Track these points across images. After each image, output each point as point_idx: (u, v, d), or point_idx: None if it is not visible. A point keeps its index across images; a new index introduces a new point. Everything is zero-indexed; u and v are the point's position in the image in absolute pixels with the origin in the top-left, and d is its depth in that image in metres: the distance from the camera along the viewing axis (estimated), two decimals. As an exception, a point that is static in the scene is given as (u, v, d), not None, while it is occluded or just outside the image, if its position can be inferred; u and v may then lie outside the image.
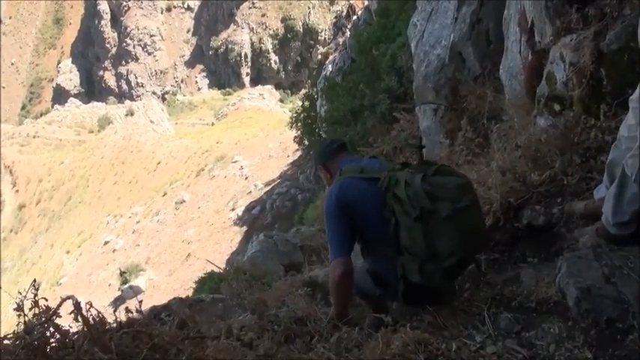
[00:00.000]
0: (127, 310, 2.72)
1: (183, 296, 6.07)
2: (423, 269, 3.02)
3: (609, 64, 4.21)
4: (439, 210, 2.91)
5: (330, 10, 75.61)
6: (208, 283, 9.60)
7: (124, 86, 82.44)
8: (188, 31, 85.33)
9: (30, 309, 2.52)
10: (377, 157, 3.79)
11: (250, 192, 32.76)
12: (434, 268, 3.02)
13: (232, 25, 79.41)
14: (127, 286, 29.30)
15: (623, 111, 3.82)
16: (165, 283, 28.70)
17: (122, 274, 30.83)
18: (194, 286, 11.87)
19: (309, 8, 76.64)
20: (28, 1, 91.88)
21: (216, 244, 29.10)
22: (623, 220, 3.43)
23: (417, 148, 3.30)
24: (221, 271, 10.18)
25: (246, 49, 77.71)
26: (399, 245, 3.06)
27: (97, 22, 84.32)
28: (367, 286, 3.54)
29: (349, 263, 3.24)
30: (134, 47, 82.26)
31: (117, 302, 27.76)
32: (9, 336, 2.45)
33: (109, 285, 32.01)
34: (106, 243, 38.19)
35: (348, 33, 30.64)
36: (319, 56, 68.85)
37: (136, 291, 28.43)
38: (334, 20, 72.02)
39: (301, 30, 76.43)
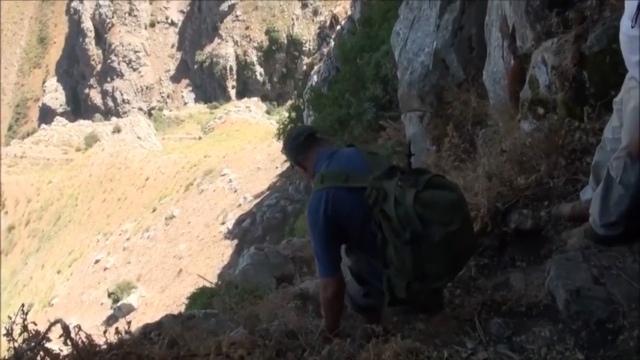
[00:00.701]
0: (117, 331, 2.70)
1: (176, 312, 6.02)
2: (410, 288, 2.91)
3: (591, 66, 4.24)
4: (431, 235, 2.75)
5: (313, 20, 75.81)
6: (200, 298, 9.56)
7: (110, 103, 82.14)
8: (172, 46, 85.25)
9: (19, 334, 2.50)
10: (354, 145, 3.43)
11: (240, 205, 32.67)
12: (421, 288, 2.92)
13: (216, 38, 79.40)
14: (118, 304, 29.10)
15: (607, 113, 3.86)
16: (157, 299, 28.51)
17: (110, 294, 30.61)
18: (186, 301, 11.80)
19: (292, 20, 76.80)
20: (12, 22, 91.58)
21: (207, 259, 28.96)
22: (610, 220, 3.46)
23: (405, 156, 3.12)
24: (213, 285, 10.12)
25: (231, 62, 77.71)
26: (386, 259, 2.93)
27: (81, 40, 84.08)
28: (357, 295, 3.47)
29: (341, 280, 3.16)
30: (119, 64, 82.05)
31: (109, 321, 27.55)
32: (-2, 362, 2.42)
33: (101, 304, 31.76)
34: (96, 261, 37.92)
35: (332, 43, 30.76)
36: (304, 67, 69.05)
37: (128, 309, 28.26)
38: (318, 31, 72.21)
39: (285, 41, 76.52)
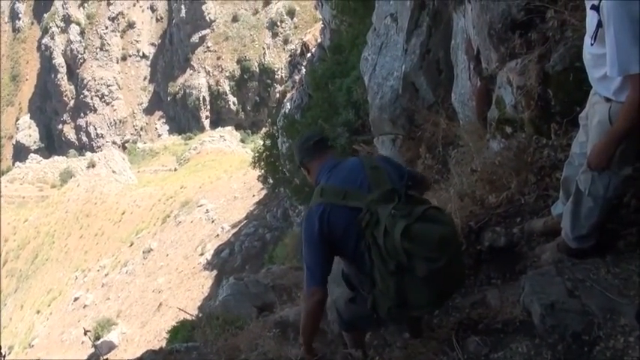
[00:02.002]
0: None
1: (157, 348, 5.96)
2: (391, 312, 2.93)
3: (555, 84, 4.33)
4: (415, 269, 2.74)
5: (284, 49, 76.21)
6: (181, 331, 9.44)
7: (84, 138, 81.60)
8: (145, 79, 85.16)
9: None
10: (358, 156, 3.53)
11: (218, 235, 32.51)
12: (402, 313, 2.96)
13: (188, 69, 79.51)
14: (99, 342, 28.60)
15: (574, 129, 3.94)
16: (138, 335, 28.11)
17: (86, 332, 30.09)
18: (167, 336, 11.66)
19: (263, 49, 77.20)
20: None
21: (187, 291, 28.70)
22: (582, 233, 3.52)
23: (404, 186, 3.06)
24: (194, 318, 10.03)
25: (204, 93, 77.74)
26: (373, 279, 2.94)
27: (53, 76, 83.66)
28: (344, 302, 3.48)
29: (325, 293, 3.14)
30: (92, 98, 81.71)
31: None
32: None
33: (82, 342, 31.19)
34: (76, 299, 37.36)
35: (303, 70, 30.95)
36: (277, 95, 69.29)
37: (109, 347, 27.81)
38: (289, 59, 72.53)
39: (257, 70, 76.81)
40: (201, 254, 31.41)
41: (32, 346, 35.24)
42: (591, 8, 2.95)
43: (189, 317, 10.35)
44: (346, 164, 3.31)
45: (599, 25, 2.90)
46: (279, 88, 72.57)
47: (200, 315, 9.69)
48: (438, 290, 2.87)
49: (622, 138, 3.02)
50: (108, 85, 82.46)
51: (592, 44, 3.00)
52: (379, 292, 2.92)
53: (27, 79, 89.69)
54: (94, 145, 79.60)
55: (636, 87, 2.80)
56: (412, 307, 2.90)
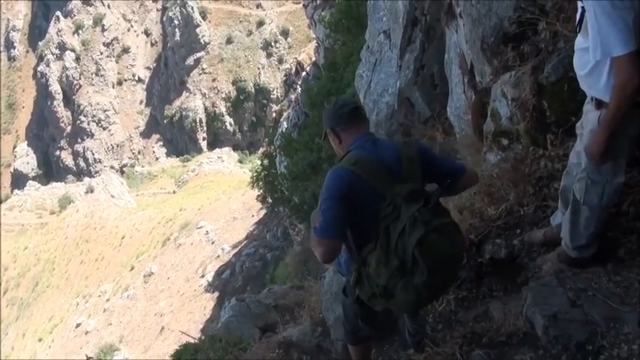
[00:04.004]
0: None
1: (160, 372, 5.94)
2: (372, 299, 2.91)
3: (550, 95, 4.35)
4: (414, 275, 2.72)
5: (279, 68, 76.58)
6: (184, 355, 9.37)
7: (82, 163, 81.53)
8: (141, 103, 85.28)
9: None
10: (396, 141, 3.26)
11: (218, 256, 32.42)
12: (381, 304, 2.91)
13: (184, 92, 79.72)
14: (102, 368, 28.48)
15: (570, 138, 3.97)
16: (141, 360, 27.96)
17: (88, 359, 29.85)
18: None
19: (258, 69, 77.56)
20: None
21: (189, 314, 28.57)
22: (582, 243, 3.52)
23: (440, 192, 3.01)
24: (196, 341, 9.98)
25: (201, 115, 77.90)
26: (365, 260, 2.90)
27: (49, 103, 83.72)
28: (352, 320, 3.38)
29: (332, 246, 2.95)
30: (89, 124, 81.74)
31: (94, 386, 26.94)
32: None
33: (85, 370, 31.01)
34: (77, 325, 37.16)
35: (299, 89, 31.06)
36: (274, 114, 69.33)
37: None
38: (284, 78, 72.77)
39: (253, 90, 77.09)
40: (202, 276, 31.32)
41: (34, 375, 35.06)
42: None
43: (191, 340, 10.30)
44: (384, 145, 3.13)
45: (584, 11, 2.92)
46: (275, 107, 72.73)
47: (203, 338, 9.64)
48: (423, 298, 2.85)
49: (615, 122, 3.00)
50: (104, 110, 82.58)
51: (577, 32, 3.03)
52: (367, 274, 2.88)
53: (23, 107, 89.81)
54: (92, 170, 79.54)
55: (621, 69, 2.80)
56: (394, 305, 2.87)
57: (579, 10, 2.98)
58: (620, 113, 2.94)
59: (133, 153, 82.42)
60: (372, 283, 2.86)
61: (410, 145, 3.05)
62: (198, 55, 79.18)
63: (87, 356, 28.92)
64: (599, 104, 3.08)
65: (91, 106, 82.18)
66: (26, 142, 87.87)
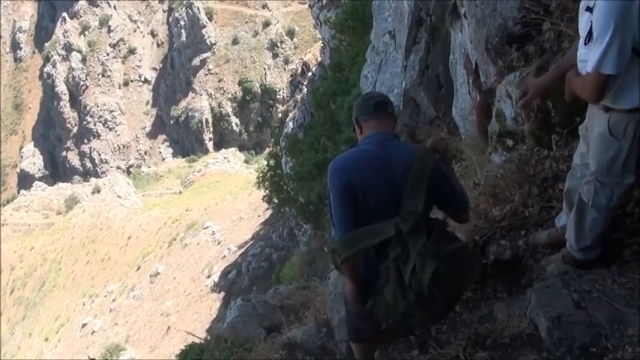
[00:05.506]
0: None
1: (166, 372, 5.95)
2: (392, 322, 2.91)
3: (554, 96, 4.31)
4: (433, 303, 2.76)
5: (285, 69, 76.55)
6: (190, 355, 9.39)
7: (88, 164, 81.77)
8: (147, 103, 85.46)
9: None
10: (418, 149, 3.11)
11: (224, 256, 32.46)
12: (400, 323, 2.94)
13: (191, 92, 79.85)
14: (108, 368, 28.56)
15: (574, 139, 3.95)
16: (147, 360, 28.03)
17: (92, 361, 29.95)
18: None
19: (264, 69, 77.62)
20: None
21: (195, 314, 28.62)
22: (587, 244, 3.51)
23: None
24: (202, 341, 9.99)
25: (207, 115, 78.01)
26: (382, 290, 2.87)
27: (56, 103, 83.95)
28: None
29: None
30: (95, 124, 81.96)
31: (100, 386, 27.02)
32: None
33: (91, 369, 31.08)
34: (84, 325, 37.26)
35: (304, 90, 31.08)
36: (279, 115, 69.41)
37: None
38: (290, 79, 72.74)
39: (259, 91, 77.17)
40: (208, 276, 31.36)
41: (41, 374, 35.17)
42: (586, 10, 2.99)
43: (197, 340, 10.32)
44: (399, 148, 3.07)
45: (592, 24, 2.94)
46: (281, 107, 72.78)
47: (208, 338, 9.66)
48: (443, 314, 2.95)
49: (553, 82, 3.33)
50: (111, 111, 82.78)
51: (585, 44, 3.03)
52: (384, 303, 2.88)
53: (30, 108, 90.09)
54: (99, 170, 79.77)
55: (598, 85, 2.93)
56: (415, 322, 2.93)
57: (588, 23, 2.98)
58: (561, 85, 3.32)
59: (140, 153, 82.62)
60: (391, 312, 2.86)
61: (427, 161, 2.96)
62: (205, 55, 79.29)
63: (89, 358, 29.03)
64: (607, 108, 3.09)
65: (98, 106, 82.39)
66: (33, 142, 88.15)
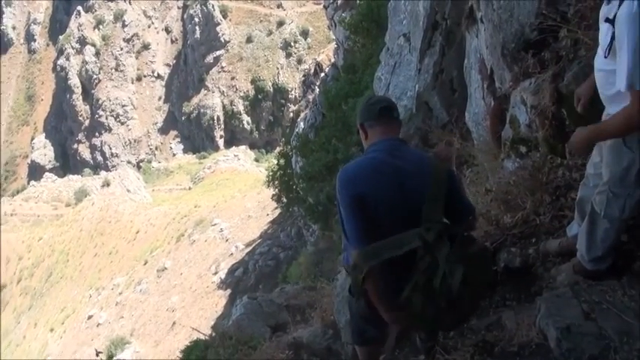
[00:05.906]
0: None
1: (170, 367, 5.96)
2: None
3: (569, 103, 4.28)
4: (462, 306, 2.79)
5: (298, 69, 76.68)
6: (195, 351, 9.41)
7: (99, 157, 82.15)
8: (159, 99, 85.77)
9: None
10: (429, 156, 3.14)
11: (232, 254, 32.51)
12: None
13: (203, 89, 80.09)
14: (113, 361, 28.63)
15: (588, 148, 3.91)
16: (151, 354, 28.03)
17: (98, 354, 30.07)
18: (180, 355, 11.63)
19: (277, 69, 77.74)
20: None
21: (201, 310, 28.67)
22: (598, 255, 3.48)
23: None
24: (207, 337, 10.01)
25: (218, 112, 78.22)
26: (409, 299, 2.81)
27: (68, 96, 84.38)
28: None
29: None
30: (107, 118, 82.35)
31: (104, 379, 27.12)
32: None
33: (95, 362, 31.22)
34: (89, 317, 37.41)
35: (317, 90, 31.09)
36: (291, 114, 69.62)
37: (123, 366, 27.84)
38: (303, 79, 72.88)
39: (271, 90, 77.30)
40: (215, 273, 31.41)
41: (45, 364, 35.33)
42: (606, 21, 2.94)
43: (202, 337, 10.34)
44: (409, 154, 3.03)
45: (613, 37, 2.89)
46: (292, 107, 72.97)
47: (213, 334, 9.67)
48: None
49: (603, 139, 3.08)
50: (123, 105, 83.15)
51: (606, 57, 2.99)
52: (414, 313, 2.82)
53: (42, 100, 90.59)
54: (109, 164, 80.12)
55: (636, 103, 2.79)
56: (441, 327, 3.00)
57: (608, 34, 2.94)
58: (614, 134, 3.01)
59: (150, 149, 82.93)
60: (418, 320, 2.84)
61: (441, 167, 2.96)
62: (218, 53, 79.53)
63: (97, 350, 29.19)
64: None
65: (110, 100, 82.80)
66: (44, 134, 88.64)
